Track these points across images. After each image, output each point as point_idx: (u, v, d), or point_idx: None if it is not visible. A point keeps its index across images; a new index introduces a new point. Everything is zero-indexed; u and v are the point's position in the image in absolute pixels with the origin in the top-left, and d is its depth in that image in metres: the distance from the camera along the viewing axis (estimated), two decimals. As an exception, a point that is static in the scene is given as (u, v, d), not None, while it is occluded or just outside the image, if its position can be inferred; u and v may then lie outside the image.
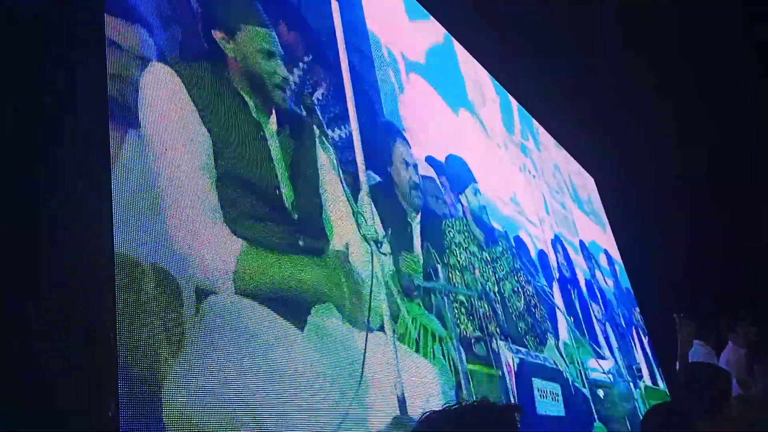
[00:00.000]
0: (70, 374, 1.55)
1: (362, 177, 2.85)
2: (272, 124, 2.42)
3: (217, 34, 2.37)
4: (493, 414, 1.24)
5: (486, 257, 3.82)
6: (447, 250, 3.40)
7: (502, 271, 3.94)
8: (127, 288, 1.64)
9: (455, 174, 3.91)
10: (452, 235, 3.57)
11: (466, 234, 3.74)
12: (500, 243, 4.09)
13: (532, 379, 3.49)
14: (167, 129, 1.96)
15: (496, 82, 5.32)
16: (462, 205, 3.85)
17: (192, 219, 1.91)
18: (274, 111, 2.47)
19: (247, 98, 2.36)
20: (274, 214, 2.24)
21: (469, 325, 3.18)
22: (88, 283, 1.65)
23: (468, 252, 3.63)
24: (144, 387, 1.57)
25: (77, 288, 1.65)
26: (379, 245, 2.75)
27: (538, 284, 4.36)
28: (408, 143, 3.40)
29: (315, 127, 2.66)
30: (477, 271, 3.60)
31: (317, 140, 2.63)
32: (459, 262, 3.47)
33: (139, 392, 1.55)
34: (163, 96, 2.00)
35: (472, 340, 3.13)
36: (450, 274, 3.30)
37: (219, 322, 1.84)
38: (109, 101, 1.81)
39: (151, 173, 1.85)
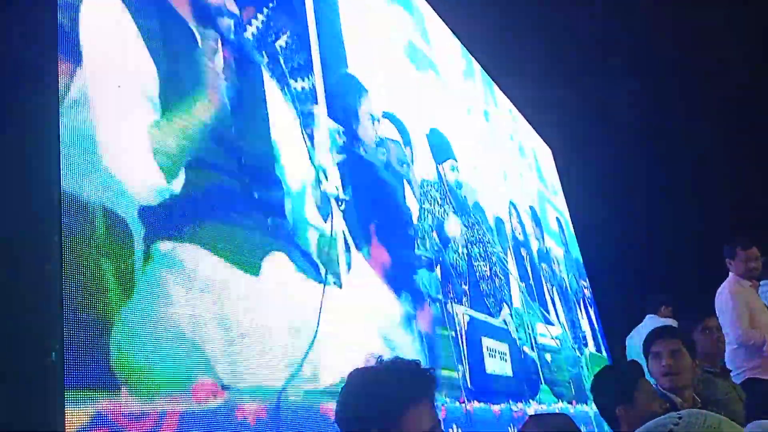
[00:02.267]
0: (12, 316, 1.48)
1: (325, 131, 2.78)
2: (219, 57, 2.28)
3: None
4: (410, 371, 1.30)
5: (459, 222, 3.90)
6: (422, 200, 3.46)
7: (472, 237, 4.00)
8: (74, 230, 1.56)
9: (436, 146, 4.00)
10: (429, 189, 3.64)
11: (441, 195, 3.80)
12: (472, 215, 4.16)
13: (482, 337, 3.55)
14: (113, 62, 1.84)
15: (462, 46, 5.28)
16: (441, 174, 3.94)
17: (142, 162, 1.82)
18: (220, 42, 2.31)
19: (194, 29, 2.19)
20: (224, 157, 2.15)
21: (426, 285, 3.19)
22: (33, 223, 1.57)
23: (442, 209, 3.70)
24: (91, 332, 1.51)
25: (22, 229, 1.57)
26: (339, 202, 2.71)
27: (495, 250, 4.41)
28: (368, 96, 3.35)
29: (273, 76, 2.55)
30: (443, 234, 3.64)
31: (277, 86, 2.53)
32: (433, 218, 3.51)
33: (86, 337, 1.49)
34: (107, 26, 1.87)
35: (429, 301, 3.15)
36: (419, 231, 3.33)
37: (170, 268, 1.78)
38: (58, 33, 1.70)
39: (100, 111, 1.75)
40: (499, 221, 4.76)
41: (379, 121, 3.31)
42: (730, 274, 3.76)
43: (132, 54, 1.92)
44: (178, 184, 1.90)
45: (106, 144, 1.72)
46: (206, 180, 2.02)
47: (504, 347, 3.84)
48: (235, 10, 2.45)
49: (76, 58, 1.72)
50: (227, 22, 2.38)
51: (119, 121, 1.79)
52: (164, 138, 1.92)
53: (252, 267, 2.05)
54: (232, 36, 2.38)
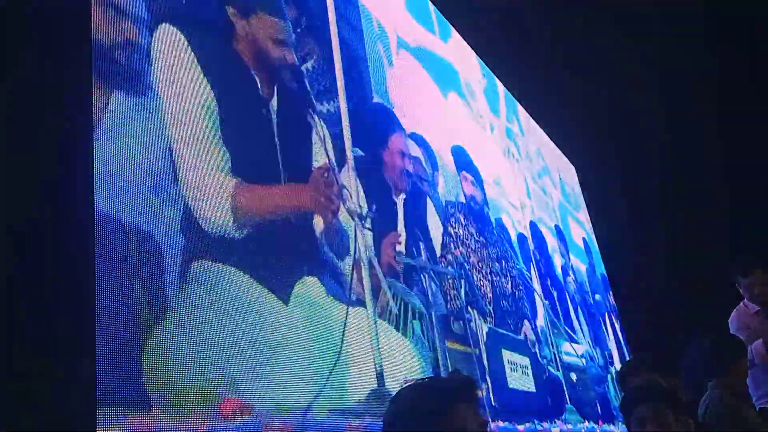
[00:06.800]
0: (46, 336, 1.52)
1: (348, 152, 2.83)
2: (274, 101, 2.41)
3: (230, 10, 2.37)
4: (450, 378, 1.35)
5: (482, 240, 3.89)
6: (446, 222, 3.52)
7: (495, 254, 4.01)
8: (107, 249, 1.60)
9: (459, 161, 4.06)
10: (453, 212, 3.68)
11: (464, 215, 3.84)
12: (495, 232, 4.17)
13: (502, 350, 3.53)
14: (175, 93, 1.95)
15: (483, 65, 5.30)
16: (462, 189, 3.99)
17: (187, 184, 1.89)
18: (276, 89, 2.45)
19: (255, 74, 2.35)
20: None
21: (448, 303, 3.20)
22: (67, 241, 1.62)
23: (466, 230, 3.72)
24: (124, 351, 1.54)
25: (56, 247, 1.62)
26: (362, 220, 2.74)
27: (518, 267, 4.39)
28: (405, 132, 3.41)
29: (305, 101, 2.63)
30: (467, 251, 3.65)
31: (307, 115, 2.61)
32: (457, 236, 3.53)
33: (119, 356, 1.53)
34: (171, 59, 1.98)
35: (451, 319, 3.15)
36: (439, 252, 3.34)
37: (203, 290, 1.82)
38: (94, 60, 1.76)
39: (150, 135, 1.82)
40: (522, 238, 4.75)
41: (410, 156, 3.37)
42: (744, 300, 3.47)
43: (191, 84, 2.03)
44: (241, 234, 2.01)
45: (151, 165, 1.79)
46: (267, 239, 2.11)
47: (525, 360, 3.81)
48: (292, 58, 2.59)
49: (127, 83, 1.79)
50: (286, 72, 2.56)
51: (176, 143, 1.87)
52: (216, 162, 2.00)
53: (283, 292, 2.11)
54: (288, 79, 2.55)
